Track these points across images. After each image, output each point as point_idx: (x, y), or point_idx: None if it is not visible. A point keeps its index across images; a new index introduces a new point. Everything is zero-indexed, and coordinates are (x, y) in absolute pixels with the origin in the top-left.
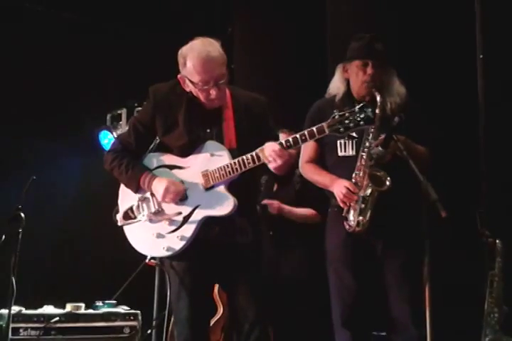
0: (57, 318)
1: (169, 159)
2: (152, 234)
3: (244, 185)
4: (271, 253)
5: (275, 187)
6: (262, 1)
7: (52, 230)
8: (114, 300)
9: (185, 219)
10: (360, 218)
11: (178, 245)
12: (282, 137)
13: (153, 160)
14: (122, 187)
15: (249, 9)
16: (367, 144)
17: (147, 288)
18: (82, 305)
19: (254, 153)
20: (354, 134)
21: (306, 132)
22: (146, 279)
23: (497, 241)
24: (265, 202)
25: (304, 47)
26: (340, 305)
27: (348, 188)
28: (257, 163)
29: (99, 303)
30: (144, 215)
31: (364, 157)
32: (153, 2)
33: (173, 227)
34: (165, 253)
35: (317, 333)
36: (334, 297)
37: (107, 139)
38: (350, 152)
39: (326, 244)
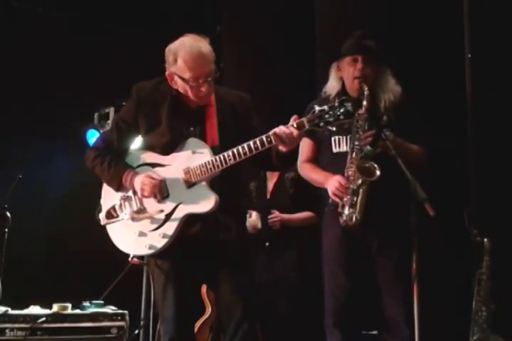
0: (43, 318)
1: (151, 157)
2: (135, 233)
3: (228, 182)
4: (262, 255)
5: (268, 194)
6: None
7: (39, 230)
8: (102, 300)
9: (168, 216)
10: (351, 210)
11: (161, 243)
12: None
13: (136, 158)
14: (105, 185)
15: (238, 8)
16: (356, 137)
17: (134, 288)
18: (69, 305)
19: (236, 149)
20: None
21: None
22: (134, 279)
23: (485, 240)
24: (270, 221)
25: (293, 47)
26: (333, 304)
27: (339, 182)
28: (237, 159)
29: (86, 303)
30: (126, 214)
31: (354, 150)
32: (141, 1)
33: (156, 225)
34: (147, 252)
35: (308, 334)
36: (328, 296)
37: (95, 138)
38: (345, 148)
39: (322, 244)
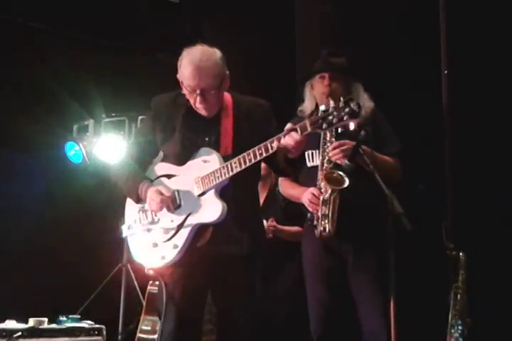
0: (19, 333)
1: (167, 168)
2: (149, 244)
3: (239, 191)
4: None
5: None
6: (233, 4)
7: (15, 243)
8: (78, 314)
9: (179, 227)
10: (325, 221)
11: (172, 254)
12: None
13: (155, 170)
14: (128, 198)
15: (222, 12)
16: (325, 149)
17: (112, 302)
18: (45, 319)
19: (242, 156)
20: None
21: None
22: (111, 293)
23: (460, 254)
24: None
25: (280, 49)
26: (315, 318)
27: (312, 193)
28: (243, 166)
29: (62, 318)
30: (143, 225)
31: (324, 162)
32: (121, 12)
33: (168, 236)
34: (161, 263)
35: None
36: (310, 310)
37: (73, 150)
38: (317, 161)
39: (302, 260)
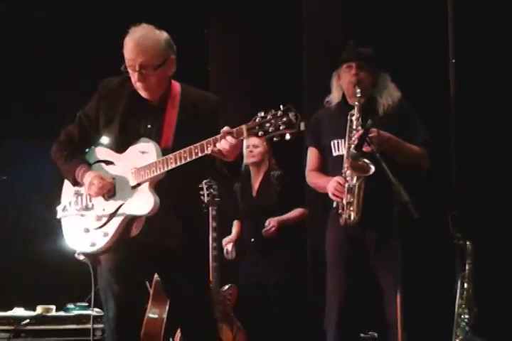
0: (27, 320)
1: (107, 154)
2: (81, 229)
3: (176, 184)
4: (252, 257)
5: (254, 193)
6: (237, 1)
7: (22, 230)
8: (86, 302)
9: (111, 216)
10: (350, 209)
11: (102, 242)
12: (255, 140)
13: (94, 154)
14: (66, 180)
15: (225, 10)
16: (352, 136)
17: None
18: (53, 307)
19: (178, 152)
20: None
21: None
22: None
23: (467, 243)
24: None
25: (281, 49)
26: (333, 305)
27: (337, 182)
28: (178, 163)
29: (70, 306)
30: (76, 209)
31: (350, 150)
32: (124, 3)
33: (100, 223)
34: (90, 249)
35: (300, 334)
36: (328, 297)
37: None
38: (343, 150)
39: (325, 245)
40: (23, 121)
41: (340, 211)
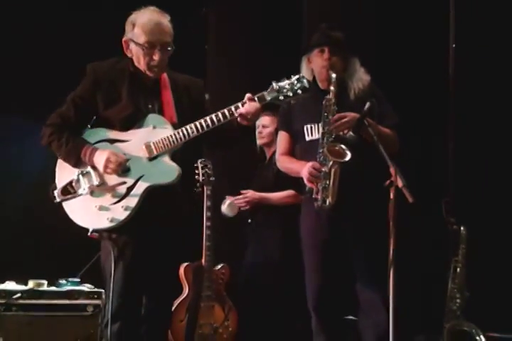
0: (19, 294)
1: (110, 133)
2: (95, 207)
3: (185, 158)
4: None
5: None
6: None
7: (16, 207)
8: (78, 278)
9: (129, 189)
10: (325, 194)
11: (123, 215)
12: (266, 120)
13: (93, 135)
14: (59, 163)
15: None
16: (326, 122)
17: None
18: (45, 282)
19: (199, 122)
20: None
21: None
22: None
23: (461, 228)
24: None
25: (281, 34)
26: (311, 290)
27: (313, 167)
28: (200, 132)
29: (62, 281)
30: (84, 189)
31: (325, 135)
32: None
33: (117, 199)
34: (109, 225)
35: (294, 313)
36: (306, 282)
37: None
38: (317, 135)
39: (300, 231)
40: None
41: (314, 195)
